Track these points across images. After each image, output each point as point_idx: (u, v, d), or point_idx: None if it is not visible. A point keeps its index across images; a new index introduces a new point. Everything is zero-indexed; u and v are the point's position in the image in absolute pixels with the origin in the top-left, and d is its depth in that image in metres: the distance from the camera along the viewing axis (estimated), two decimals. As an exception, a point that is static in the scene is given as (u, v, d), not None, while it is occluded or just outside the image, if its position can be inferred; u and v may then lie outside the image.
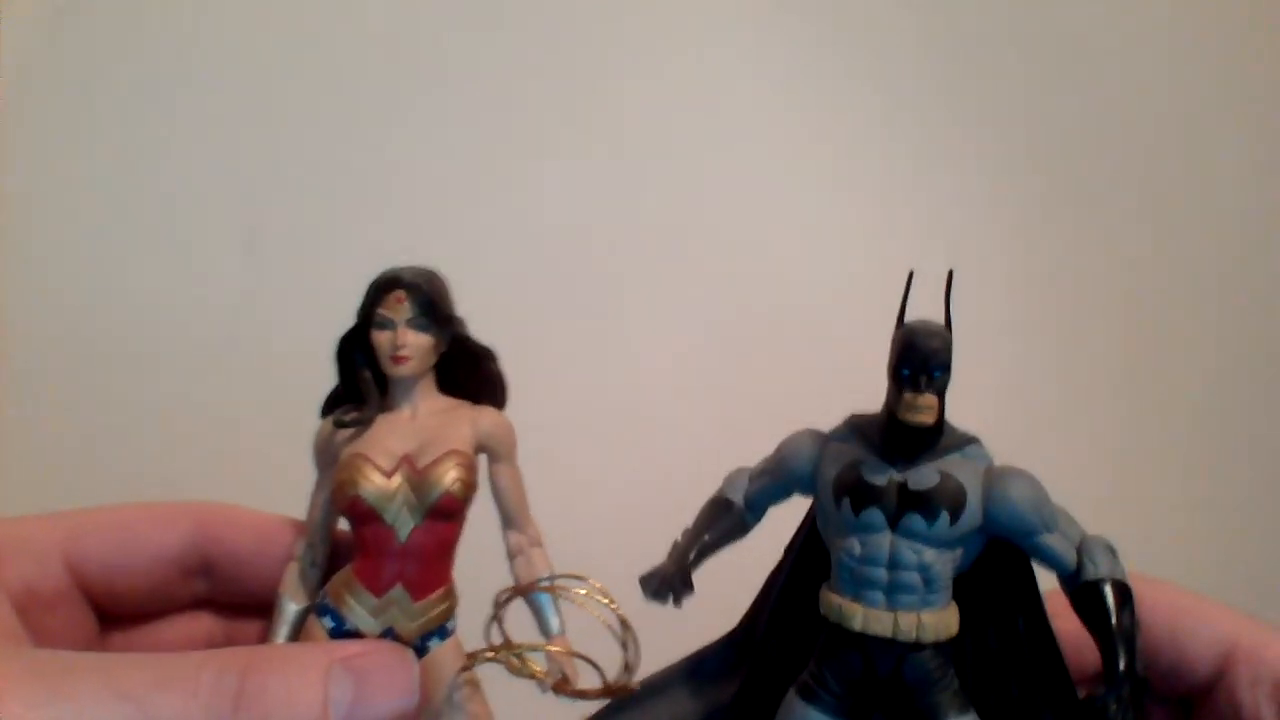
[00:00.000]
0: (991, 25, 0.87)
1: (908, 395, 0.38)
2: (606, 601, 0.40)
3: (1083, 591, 0.39)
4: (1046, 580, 0.41)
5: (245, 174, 0.80)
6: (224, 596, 0.46)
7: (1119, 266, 0.89)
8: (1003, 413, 0.83)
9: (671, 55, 0.84)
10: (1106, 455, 0.88)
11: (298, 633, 0.43)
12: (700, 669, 0.46)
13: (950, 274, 0.40)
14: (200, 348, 0.79)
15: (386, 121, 0.81)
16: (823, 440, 0.42)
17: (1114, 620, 0.38)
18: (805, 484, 0.42)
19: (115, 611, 0.45)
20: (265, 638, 0.44)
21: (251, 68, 0.79)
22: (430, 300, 0.41)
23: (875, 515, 0.39)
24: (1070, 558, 0.39)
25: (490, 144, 0.81)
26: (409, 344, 0.41)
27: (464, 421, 0.43)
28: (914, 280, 0.40)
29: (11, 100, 0.76)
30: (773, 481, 0.43)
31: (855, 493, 0.40)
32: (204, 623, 0.47)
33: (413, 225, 0.80)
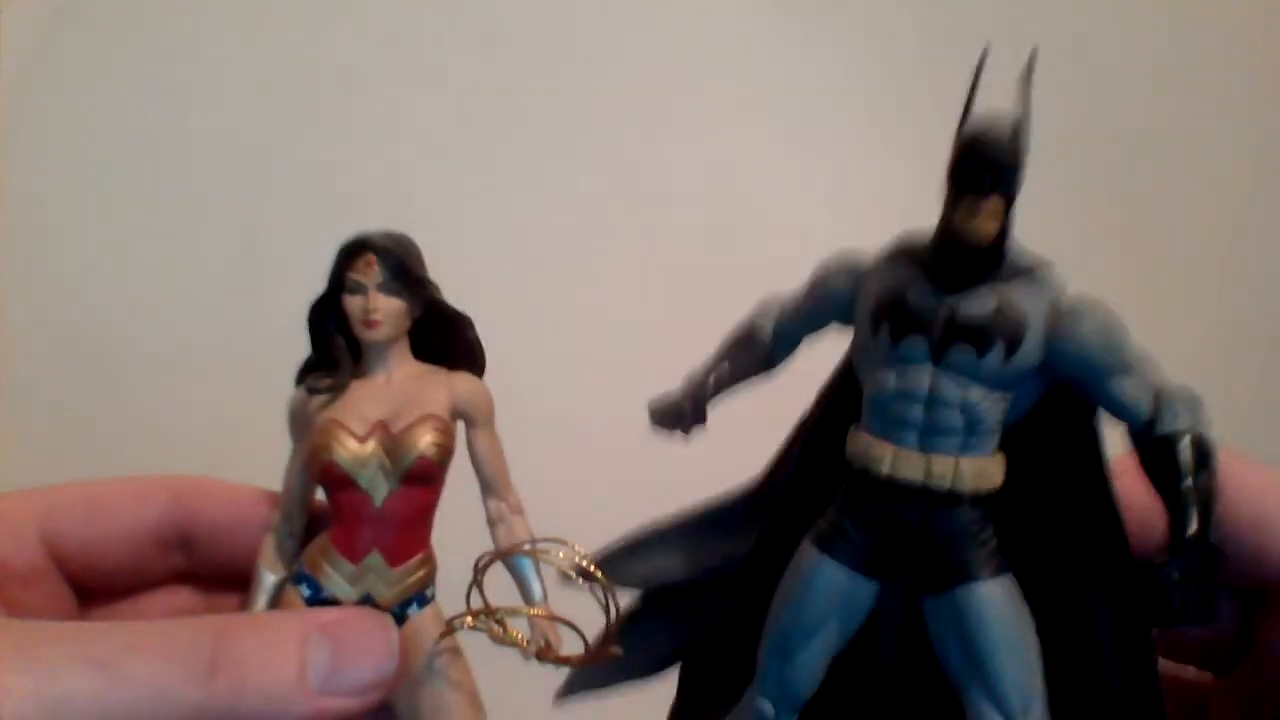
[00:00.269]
0: (989, 17, 0.86)
1: (968, 199, 0.33)
2: (589, 566, 0.39)
3: (1155, 446, 0.33)
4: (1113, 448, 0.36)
5: (245, 174, 0.79)
6: (203, 569, 0.46)
7: (1117, 263, 0.88)
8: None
9: (666, 41, 0.83)
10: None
11: (275, 603, 0.42)
12: (716, 518, 0.42)
13: (1034, 53, 0.34)
14: (200, 346, 0.79)
15: (385, 120, 0.81)
16: (867, 262, 0.37)
17: (1188, 479, 0.32)
18: (844, 310, 0.37)
19: (93, 586, 0.45)
20: (244, 610, 0.43)
21: (252, 68, 0.79)
22: (401, 263, 0.41)
23: (917, 344, 0.34)
24: (1145, 406, 0.33)
25: (490, 141, 0.81)
26: (380, 308, 0.41)
27: (440, 387, 0.42)
28: (987, 59, 0.35)
29: (12, 100, 0.76)
30: (809, 307, 0.38)
31: (896, 318, 0.34)
32: (183, 597, 0.46)
33: (411, 218, 0.80)
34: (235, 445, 0.76)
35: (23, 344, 0.78)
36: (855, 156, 0.85)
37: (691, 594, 0.41)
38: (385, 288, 0.41)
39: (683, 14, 0.83)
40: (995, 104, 0.35)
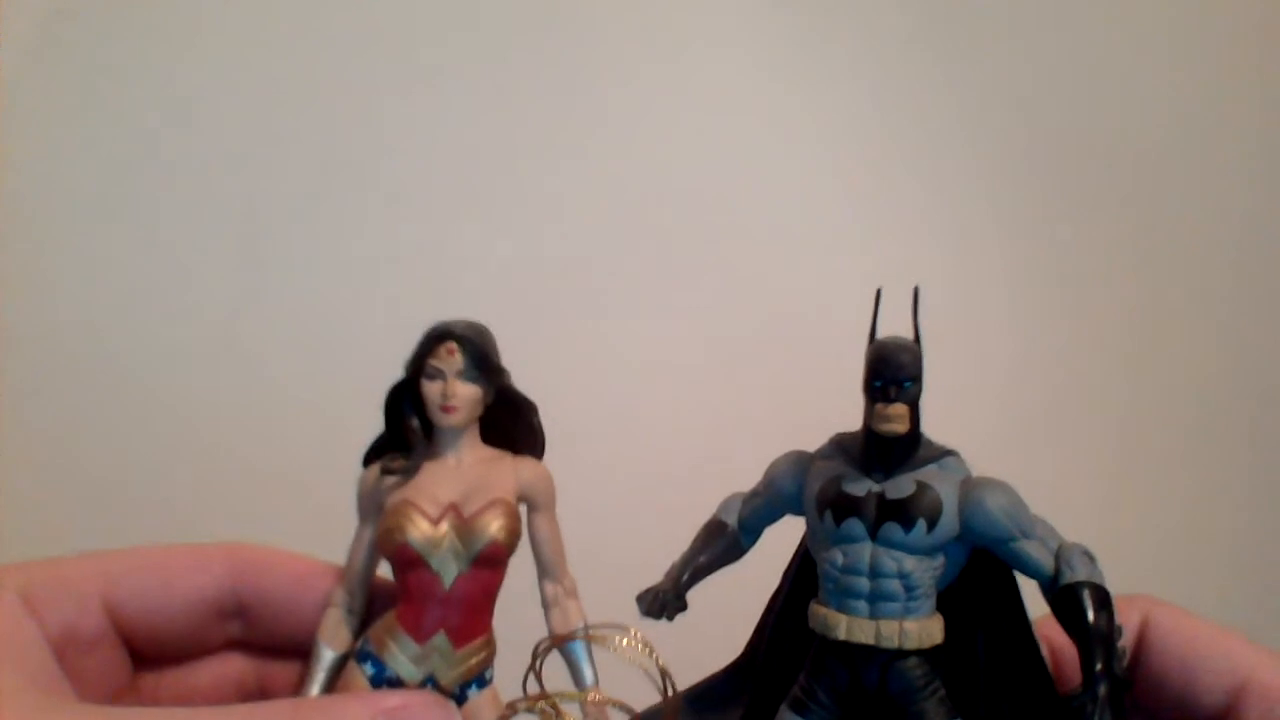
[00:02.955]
0: (992, 27, 0.88)
1: (879, 406, 0.41)
2: (646, 651, 0.40)
3: (1060, 596, 0.40)
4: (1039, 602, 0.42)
5: (246, 173, 0.79)
6: (257, 639, 0.47)
7: (1120, 270, 0.90)
8: (1001, 416, 0.84)
9: (673, 65, 0.85)
10: (1106, 462, 0.89)
11: (334, 680, 0.43)
12: (705, 696, 0.47)
13: (916, 290, 0.42)
14: (198, 345, 0.79)
15: (387, 126, 0.81)
16: (808, 459, 0.44)
17: (1090, 621, 0.39)
18: (794, 503, 0.44)
19: (150, 653, 0.45)
20: (298, 681, 0.44)
21: (252, 67, 0.79)
22: (481, 352, 0.42)
23: (855, 525, 0.41)
24: (1048, 564, 0.41)
25: (490, 150, 0.82)
26: (458, 394, 0.42)
27: (507, 471, 0.43)
28: (883, 296, 0.43)
29: (12, 100, 0.76)
30: (764, 503, 0.45)
31: (836, 505, 0.42)
32: (236, 664, 0.47)
33: (412, 232, 0.80)
34: (234, 446, 0.76)
35: (19, 345, 0.77)
36: (863, 177, 0.87)
37: None
38: (464, 375, 0.42)
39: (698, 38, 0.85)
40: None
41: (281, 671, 0.47)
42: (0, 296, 0.75)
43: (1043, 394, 0.90)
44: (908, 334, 0.42)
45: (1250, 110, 0.90)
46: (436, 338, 0.42)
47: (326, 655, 0.43)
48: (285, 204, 0.80)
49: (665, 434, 0.83)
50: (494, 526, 0.41)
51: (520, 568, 0.45)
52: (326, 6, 0.80)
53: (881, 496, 0.41)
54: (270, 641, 0.47)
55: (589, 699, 0.42)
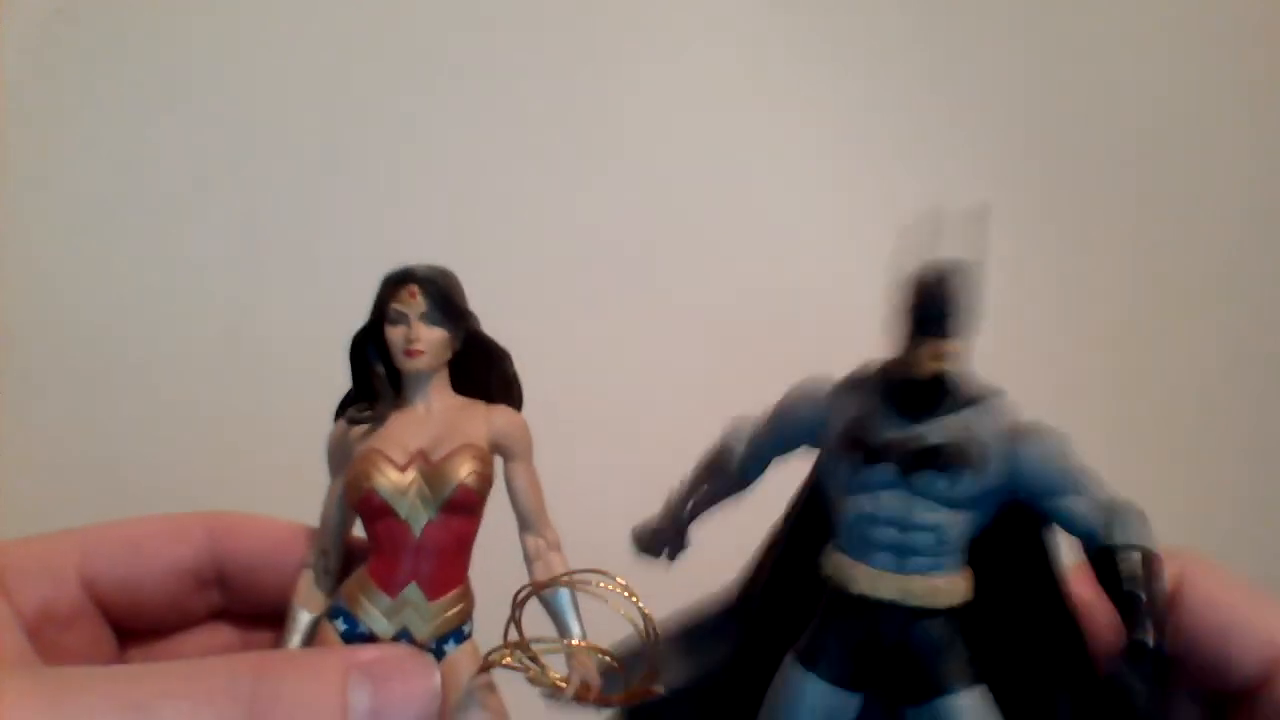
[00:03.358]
0: (993, 26, 0.86)
1: (931, 343, 0.36)
2: (630, 596, 0.38)
3: (1107, 558, 0.35)
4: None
5: (246, 174, 0.79)
6: (240, 607, 0.46)
7: (1120, 269, 0.88)
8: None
9: (673, 55, 0.85)
10: (1105, 463, 0.86)
11: (310, 640, 0.42)
12: (695, 631, 0.44)
13: (984, 209, 0.37)
14: (199, 349, 0.79)
15: (387, 121, 0.81)
16: (832, 390, 0.39)
17: (1141, 590, 0.34)
18: (811, 436, 0.40)
19: (132, 626, 0.44)
20: (279, 646, 0.43)
21: (252, 68, 0.79)
22: (443, 294, 0.41)
23: (887, 472, 0.36)
24: (1097, 522, 0.36)
25: (491, 144, 0.82)
26: (422, 337, 0.41)
27: (478, 419, 0.42)
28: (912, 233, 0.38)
29: (12, 100, 0.76)
30: (777, 433, 0.41)
31: (867, 446, 0.37)
32: (221, 634, 0.46)
33: (414, 226, 0.80)
34: (236, 445, 0.76)
35: (19, 345, 0.77)
36: (866, 167, 0.85)
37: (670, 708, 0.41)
38: (427, 318, 0.41)
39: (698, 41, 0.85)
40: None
41: (268, 641, 0.46)
42: (0, 296, 0.76)
43: (1043, 394, 0.87)
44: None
45: (1251, 109, 0.88)
46: (397, 281, 0.41)
47: (302, 617, 0.42)
48: (285, 204, 0.80)
49: (665, 433, 0.82)
50: (463, 470, 0.40)
51: (507, 524, 0.43)
52: (327, 6, 0.80)
53: (920, 441, 0.36)
54: (254, 609, 0.46)
55: (574, 646, 0.40)
